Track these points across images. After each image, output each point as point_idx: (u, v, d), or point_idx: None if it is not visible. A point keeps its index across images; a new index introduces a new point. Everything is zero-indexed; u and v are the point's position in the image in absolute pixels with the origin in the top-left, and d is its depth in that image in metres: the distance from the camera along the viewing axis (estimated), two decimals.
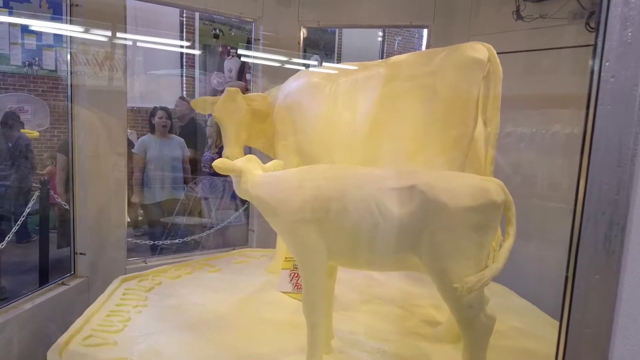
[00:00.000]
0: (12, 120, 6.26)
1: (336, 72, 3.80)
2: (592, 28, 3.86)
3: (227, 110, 3.69)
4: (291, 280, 3.53)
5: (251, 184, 2.52)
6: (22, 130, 6.38)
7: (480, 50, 2.84)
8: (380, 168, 2.80)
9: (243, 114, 3.71)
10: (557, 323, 2.99)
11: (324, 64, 6.74)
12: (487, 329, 2.18)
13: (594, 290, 1.17)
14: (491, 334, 2.19)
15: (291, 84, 3.89)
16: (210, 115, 5.10)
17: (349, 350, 2.71)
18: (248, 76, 7.22)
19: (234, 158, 3.47)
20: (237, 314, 3.18)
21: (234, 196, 6.20)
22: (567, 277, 1.22)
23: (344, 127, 3.39)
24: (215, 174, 6.14)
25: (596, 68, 1.15)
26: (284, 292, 3.51)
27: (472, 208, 2.06)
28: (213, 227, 5.61)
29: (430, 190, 2.09)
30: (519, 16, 4.32)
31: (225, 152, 3.69)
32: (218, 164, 2.53)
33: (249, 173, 2.53)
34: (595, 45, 1.14)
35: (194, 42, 8.98)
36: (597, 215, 1.14)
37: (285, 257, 3.71)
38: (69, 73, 4.13)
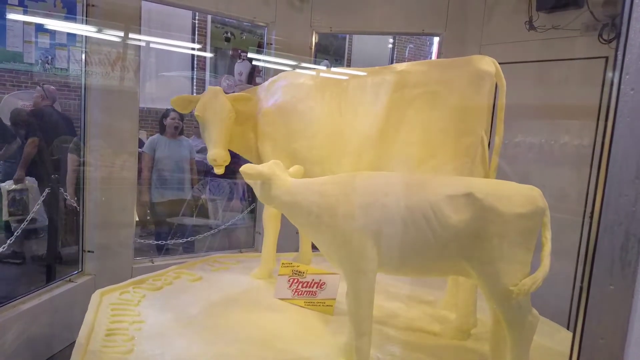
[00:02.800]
0: (21, 117, 6.30)
1: (324, 75, 3.77)
2: (604, 40, 3.87)
3: (210, 110, 3.52)
4: (290, 287, 3.42)
5: (283, 190, 2.49)
6: None
7: (489, 63, 3.00)
8: (430, 175, 2.82)
9: (228, 114, 3.56)
10: (557, 325, 3.02)
11: (332, 69, 6.74)
12: (533, 328, 2.28)
13: (609, 301, 1.17)
14: (535, 331, 2.30)
15: (278, 85, 3.79)
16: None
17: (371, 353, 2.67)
18: (258, 80, 7.26)
19: (221, 159, 3.44)
20: (245, 323, 3.08)
21: (240, 198, 6.23)
22: (581, 288, 1.22)
23: (350, 132, 3.38)
24: (222, 176, 6.17)
25: (616, 81, 1.16)
26: (283, 299, 3.41)
27: (523, 215, 2.19)
28: (219, 228, 5.63)
29: (486, 197, 2.21)
30: (531, 26, 4.33)
31: (210, 153, 3.50)
32: (246, 169, 2.50)
33: (278, 179, 2.50)
34: (615, 58, 1.15)
35: (205, 44, 9.04)
36: (614, 226, 1.15)
37: (283, 263, 3.55)
38: (83, 72, 4.18)
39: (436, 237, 2.24)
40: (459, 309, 3.01)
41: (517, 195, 2.25)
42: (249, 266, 4.08)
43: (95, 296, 3.20)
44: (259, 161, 3.88)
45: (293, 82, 3.76)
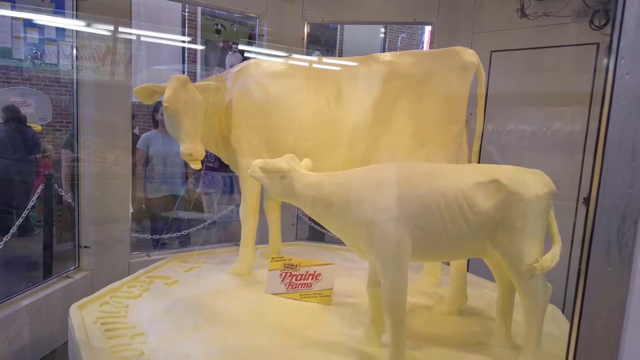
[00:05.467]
0: (17, 114, 6.28)
1: (301, 64, 3.73)
2: (596, 26, 3.88)
3: (180, 100, 3.28)
4: (283, 281, 3.40)
5: (306, 185, 2.49)
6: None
7: (472, 54, 3.18)
8: (447, 165, 2.94)
9: (199, 105, 3.35)
10: (553, 309, 3.11)
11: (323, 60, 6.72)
12: (548, 297, 2.51)
13: (606, 282, 1.20)
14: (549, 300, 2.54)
15: (250, 74, 3.64)
16: None
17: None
18: None
19: (198, 154, 3.29)
20: (250, 318, 3.04)
21: (232, 191, 6.23)
22: (579, 270, 1.25)
23: (341, 123, 3.38)
24: (216, 169, 6.16)
25: (611, 65, 1.18)
26: (276, 294, 3.39)
27: (540, 197, 2.40)
28: (215, 222, 5.63)
29: (511, 183, 2.39)
30: (523, 14, 4.34)
31: (185, 148, 3.28)
32: (265, 165, 2.49)
33: (298, 173, 2.51)
34: (610, 43, 1.17)
35: (195, 37, 8.97)
36: (611, 208, 1.18)
37: (272, 257, 3.50)
38: (75, 68, 4.14)
39: (468, 224, 2.37)
40: (452, 287, 3.22)
41: (534, 180, 2.45)
42: (220, 263, 4.02)
43: (74, 312, 2.98)
44: (229, 155, 3.79)
45: (269, 71, 3.62)
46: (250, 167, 2.66)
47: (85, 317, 2.94)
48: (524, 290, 2.47)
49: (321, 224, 2.65)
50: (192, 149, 3.28)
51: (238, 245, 3.92)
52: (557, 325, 3.00)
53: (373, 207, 2.36)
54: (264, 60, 3.87)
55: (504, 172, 2.46)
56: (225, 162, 4.02)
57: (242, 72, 3.70)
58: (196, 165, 3.39)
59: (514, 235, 2.39)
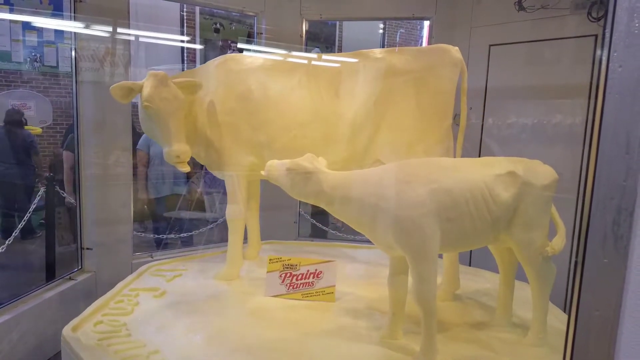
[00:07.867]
0: (15, 117, 6.30)
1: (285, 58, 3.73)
2: (594, 18, 3.87)
3: (163, 99, 3.12)
4: (283, 282, 3.36)
5: (330, 184, 2.51)
6: (25, 127, 6.42)
7: (458, 51, 3.32)
8: (464, 159, 3.04)
9: (182, 103, 3.20)
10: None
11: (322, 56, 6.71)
12: (553, 277, 2.72)
13: (603, 274, 1.21)
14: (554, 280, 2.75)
15: (230, 69, 3.53)
16: None
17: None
18: None
19: (186, 155, 3.17)
20: (264, 324, 2.98)
21: None
22: (576, 262, 1.26)
23: (337, 119, 3.38)
24: None
25: (604, 58, 1.18)
26: (277, 296, 3.32)
27: (547, 186, 2.59)
28: (217, 221, 5.65)
29: (525, 174, 2.56)
30: (520, 7, 4.33)
31: (173, 149, 3.15)
32: (291, 165, 2.51)
33: (323, 173, 2.52)
34: (603, 36, 1.17)
35: (194, 36, 8.96)
36: (606, 201, 1.19)
37: (270, 259, 3.40)
38: (74, 69, 4.15)
39: (491, 214, 2.49)
40: (445, 274, 3.37)
41: (541, 169, 2.64)
42: (203, 269, 3.92)
43: (69, 335, 2.77)
44: (208, 154, 3.64)
45: (253, 67, 3.54)
46: (264, 167, 2.66)
47: (82, 339, 2.73)
48: (534, 273, 2.66)
49: (345, 222, 2.67)
50: (179, 150, 3.17)
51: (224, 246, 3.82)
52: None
53: (407, 203, 2.40)
54: (244, 55, 3.78)
55: (515, 164, 2.60)
56: (202, 163, 3.84)
57: (221, 68, 3.58)
58: (184, 168, 3.26)
59: (528, 223, 2.56)
